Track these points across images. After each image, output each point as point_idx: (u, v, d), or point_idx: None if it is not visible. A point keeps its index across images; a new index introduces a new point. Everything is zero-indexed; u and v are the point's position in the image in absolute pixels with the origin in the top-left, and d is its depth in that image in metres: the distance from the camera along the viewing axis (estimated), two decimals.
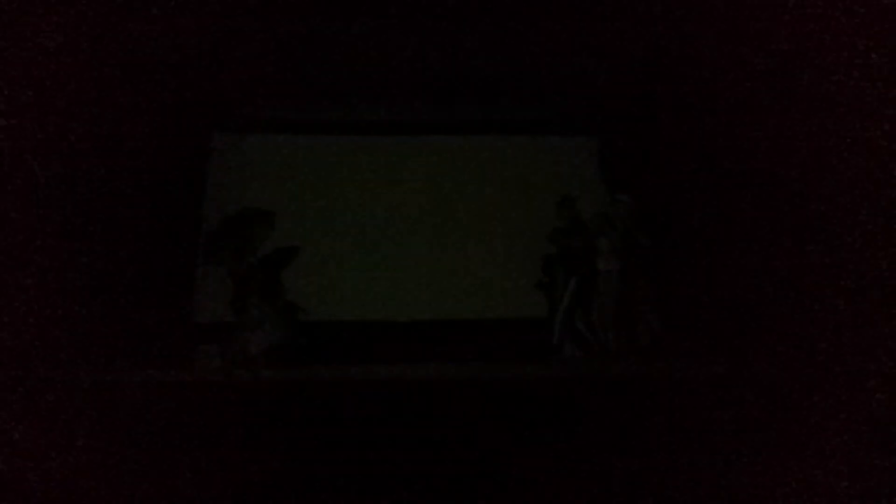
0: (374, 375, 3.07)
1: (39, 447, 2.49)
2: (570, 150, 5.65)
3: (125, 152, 4.30)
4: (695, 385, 2.86)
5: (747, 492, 2.43)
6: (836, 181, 3.04)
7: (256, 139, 5.59)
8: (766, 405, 2.67)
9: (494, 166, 5.80)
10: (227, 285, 4.15)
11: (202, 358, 4.22)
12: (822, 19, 3.02)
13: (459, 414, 2.77)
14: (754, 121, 3.82)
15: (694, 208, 4.70)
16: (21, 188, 3.03)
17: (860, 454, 2.32)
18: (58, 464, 2.46)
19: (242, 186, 5.23)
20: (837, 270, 2.96)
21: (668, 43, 4.51)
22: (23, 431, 2.51)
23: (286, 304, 4.20)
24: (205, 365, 4.16)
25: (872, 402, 2.43)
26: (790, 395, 2.66)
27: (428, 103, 5.66)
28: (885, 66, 2.80)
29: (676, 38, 4.43)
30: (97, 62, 3.86)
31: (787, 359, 3.04)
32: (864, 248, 2.84)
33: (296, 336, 4.21)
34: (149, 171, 4.61)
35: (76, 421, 2.58)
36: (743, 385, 2.82)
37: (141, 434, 2.59)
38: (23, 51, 3.08)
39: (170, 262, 4.67)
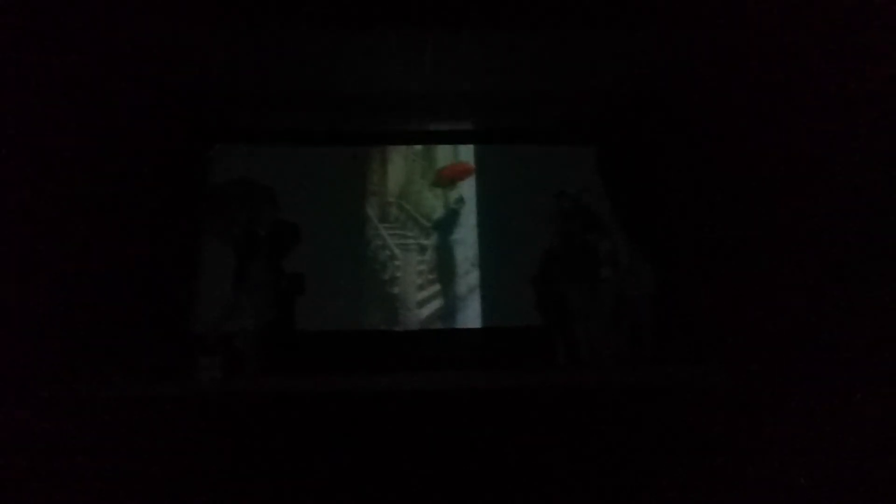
0: (374, 386, 3.06)
1: (37, 461, 2.48)
2: (569, 157, 5.66)
3: (123, 164, 4.31)
4: (692, 391, 2.84)
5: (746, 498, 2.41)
6: (836, 188, 3.04)
7: (256, 150, 5.62)
8: (766, 409, 2.66)
9: (493, 174, 5.82)
10: (228, 261, 4.18)
11: (202, 370, 4.22)
12: (824, 25, 3.03)
13: (460, 424, 2.76)
14: (752, 128, 3.83)
15: (692, 216, 4.70)
16: (18, 198, 3.04)
17: (859, 457, 2.31)
18: (56, 478, 2.46)
19: None
20: (836, 274, 2.96)
21: (666, 50, 4.53)
22: (20, 446, 2.50)
23: (286, 277, 4.22)
24: (204, 377, 4.16)
25: (871, 406, 2.42)
26: (788, 400, 2.65)
27: (426, 113, 5.69)
28: (885, 72, 2.81)
29: (675, 46, 4.45)
30: (96, 71, 3.88)
31: (786, 363, 3.03)
32: (862, 252, 2.83)
33: (290, 314, 4.23)
34: (148, 183, 4.62)
35: (74, 435, 2.58)
36: (742, 390, 2.81)
37: (140, 448, 2.59)
38: (23, 59, 3.11)
39: (168, 273, 4.68)
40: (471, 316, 5.53)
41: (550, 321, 4.49)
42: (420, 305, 5.55)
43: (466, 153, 5.95)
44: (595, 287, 4.26)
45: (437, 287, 5.63)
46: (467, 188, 5.85)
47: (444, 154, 5.96)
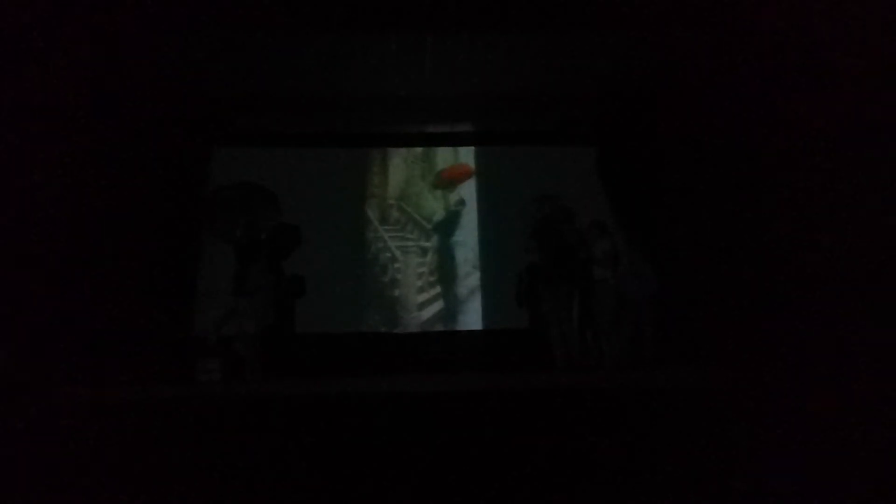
0: (375, 388, 3.05)
1: (38, 465, 2.48)
2: (569, 158, 5.66)
3: (125, 167, 4.32)
4: (693, 392, 2.83)
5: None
6: (836, 188, 3.03)
7: (257, 153, 5.63)
8: (766, 411, 2.65)
9: (493, 176, 5.82)
10: (228, 264, 4.19)
11: (202, 373, 4.22)
12: (825, 22, 3.03)
13: (460, 426, 2.75)
14: (753, 128, 3.83)
15: (692, 217, 4.69)
16: (20, 203, 3.04)
17: (860, 457, 2.30)
18: (56, 479, 2.45)
19: None
20: (838, 277, 2.95)
21: (666, 51, 4.53)
22: (21, 449, 2.50)
23: (287, 279, 4.23)
24: (204, 379, 4.16)
25: (872, 406, 2.41)
26: (789, 401, 2.64)
27: (426, 115, 5.69)
28: (884, 72, 2.81)
29: (675, 47, 4.45)
30: (96, 76, 3.89)
31: (788, 366, 3.02)
32: (865, 254, 2.83)
33: (290, 317, 4.24)
34: (149, 186, 4.62)
35: (75, 438, 2.57)
36: (742, 391, 2.80)
37: (140, 450, 2.58)
38: (23, 67, 3.11)
39: (169, 276, 4.68)
40: (471, 318, 5.53)
41: (536, 325, 4.47)
42: (421, 308, 5.55)
43: (466, 155, 5.95)
44: (582, 290, 4.25)
45: (437, 289, 5.62)
46: (468, 190, 5.85)
47: (444, 156, 5.97)
